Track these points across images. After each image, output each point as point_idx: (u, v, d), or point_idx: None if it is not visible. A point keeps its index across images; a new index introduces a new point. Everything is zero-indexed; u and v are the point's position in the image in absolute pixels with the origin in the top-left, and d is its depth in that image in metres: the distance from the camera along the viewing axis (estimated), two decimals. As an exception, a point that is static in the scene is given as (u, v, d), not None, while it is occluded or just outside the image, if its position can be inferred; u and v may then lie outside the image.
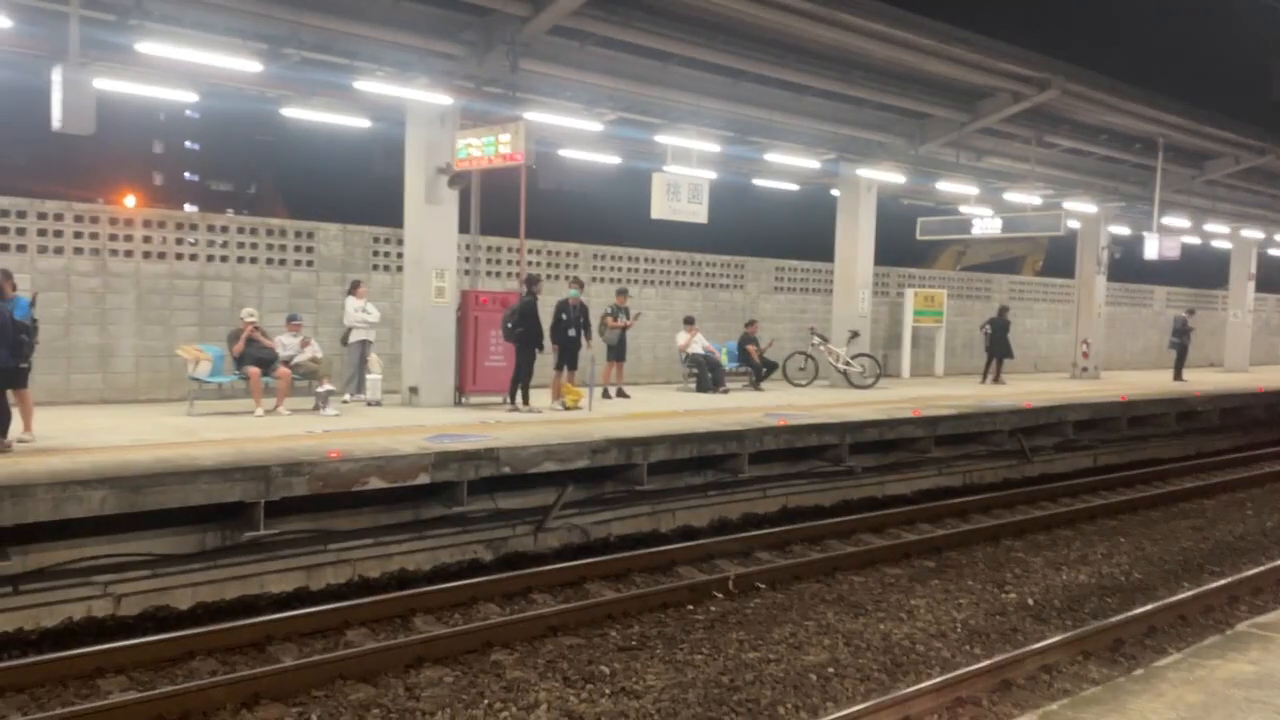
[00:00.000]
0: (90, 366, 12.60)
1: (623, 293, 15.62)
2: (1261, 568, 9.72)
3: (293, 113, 13.30)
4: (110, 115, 9.25)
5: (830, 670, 6.92)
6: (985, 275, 25.98)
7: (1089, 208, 21.13)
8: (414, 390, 12.87)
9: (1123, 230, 23.55)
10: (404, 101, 12.36)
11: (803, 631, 7.71)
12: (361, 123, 13.78)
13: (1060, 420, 15.79)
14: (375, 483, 8.83)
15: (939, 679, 6.46)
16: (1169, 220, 21.69)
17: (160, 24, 10.05)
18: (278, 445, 9.21)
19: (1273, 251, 28.54)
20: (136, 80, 11.12)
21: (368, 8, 10.98)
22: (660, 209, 13.92)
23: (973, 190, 18.82)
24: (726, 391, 16.11)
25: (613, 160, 16.89)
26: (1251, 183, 22.84)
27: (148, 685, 6.34)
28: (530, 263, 15.94)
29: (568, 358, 13.46)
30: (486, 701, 6.24)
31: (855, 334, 18.26)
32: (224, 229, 13.79)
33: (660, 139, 14.63)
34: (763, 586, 8.86)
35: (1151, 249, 20.21)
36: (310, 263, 14.34)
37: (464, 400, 13.22)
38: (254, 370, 11.57)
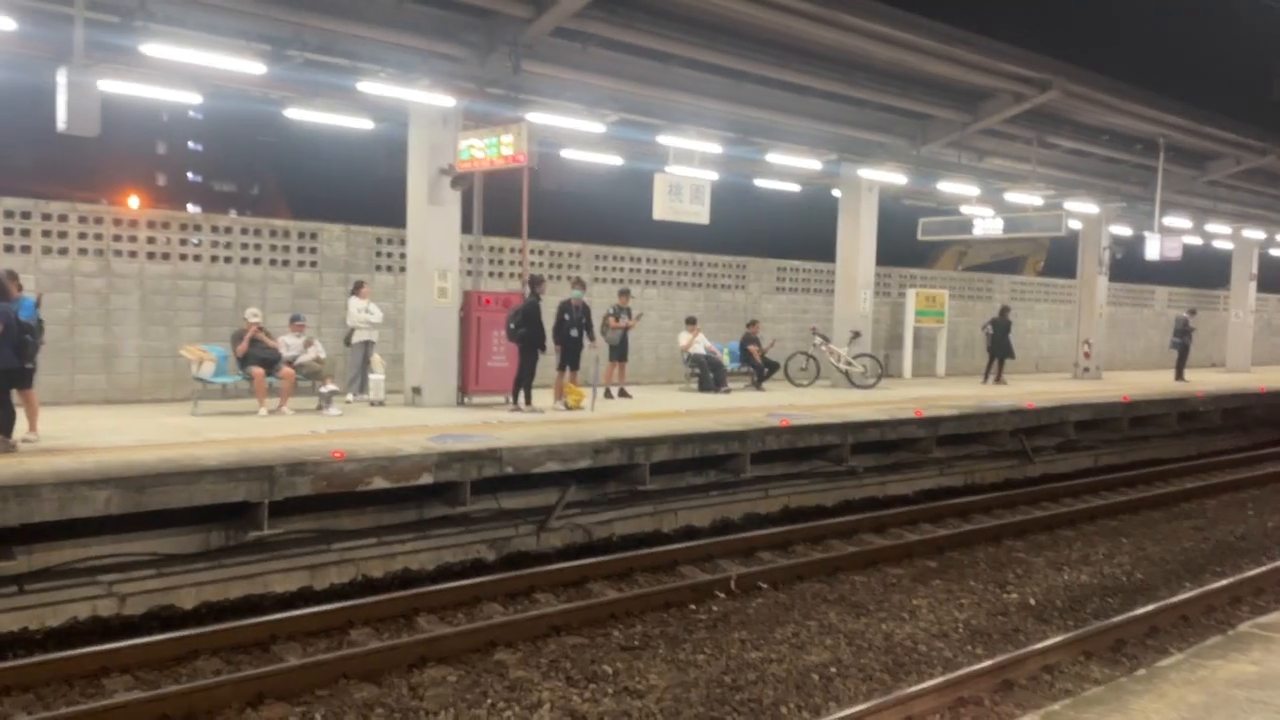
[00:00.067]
0: (94, 367, 12.63)
1: (625, 293, 15.65)
2: (1263, 568, 9.73)
3: (296, 114, 13.32)
4: (114, 116, 9.27)
5: (832, 670, 6.94)
6: (987, 275, 25.99)
7: (1090, 208, 21.14)
8: (417, 390, 12.90)
9: (1124, 230, 23.55)
10: (406, 103, 12.39)
11: (805, 631, 7.74)
12: (364, 124, 13.81)
13: (1062, 420, 15.81)
14: (379, 483, 8.86)
15: (941, 679, 6.48)
16: (1170, 220, 21.69)
17: (164, 25, 10.08)
18: (281, 445, 9.24)
19: (1274, 252, 28.53)
20: (140, 81, 11.14)
21: (370, 9, 11.01)
22: (662, 210, 13.94)
23: (974, 191, 18.84)
24: (728, 391, 16.13)
25: (615, 161, 16.91)
26: (1253, 183, 22.84)
27: (152, 685, 6.36)
28: (533, 263, 15.97)
29: (570, 358, 13.49)
30: (490, 701, 6.27)
31: (857, 334, 18.28)
32: (228, 230, 13.82)
33: (662, 140, 14.65)
34: (765, 586, 8.88)
35: (1153, 249, 20.22)
36: (314, 263, 14.37)
37: (466, 400, 13.24)
38: (258, 370, 11.60)
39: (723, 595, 8.58)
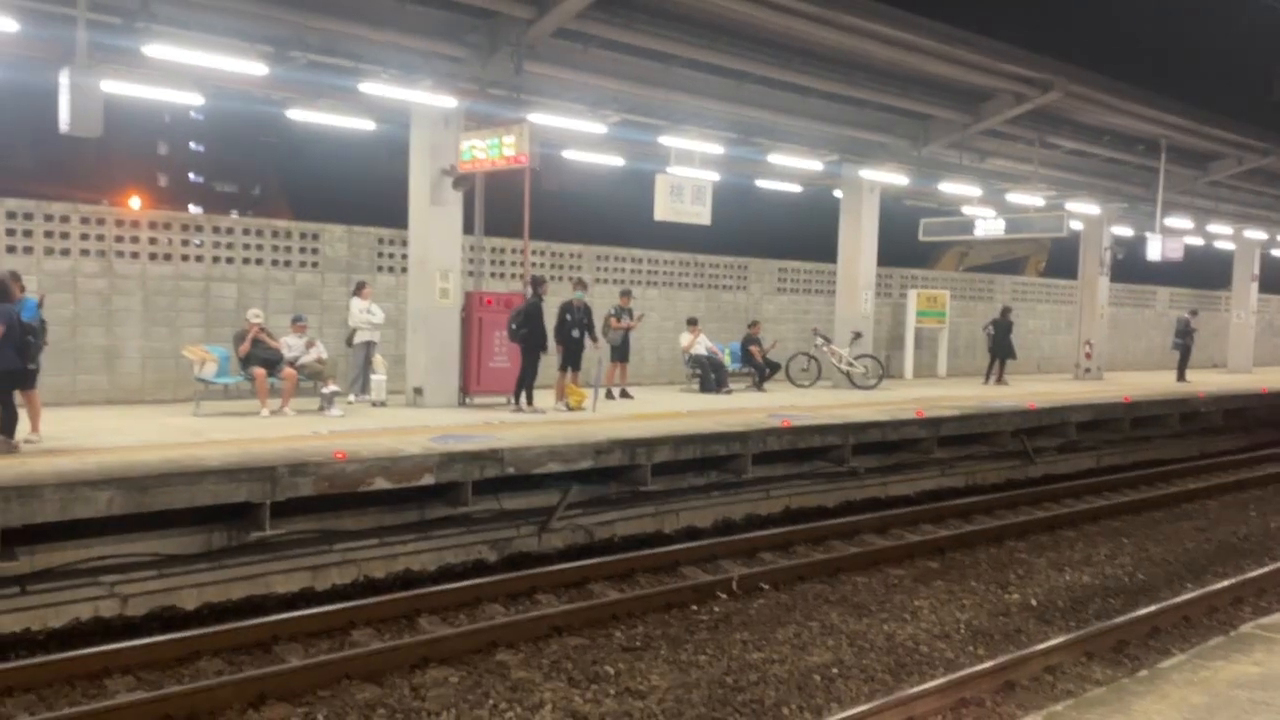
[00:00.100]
0: (96, 367, 12.64)
1: (626, 294, 15.65)
2: (1265, 569, 9.73)
3: (298, 115, 13.35)
4: (115, 117, 9.27)
5: (834, 671, 6.94)
6: (988, 276, 25.99)
7: (1092, 209, 21.14)
8: (418, 391, 12.91)
9: (1125, 231, 23.54)
10: (409, 104, 12.39)
11: (807, 632, 7.74)
12: (366, 125, 13.82)
13: (1063, 421, 15.80)
14: (380, 483, 8.87)
15: (943, 679, 6.48)
16: (1172, 221, 21.68)
17: (166, 27, 10.08)
18: (283, 446, 9.25)
19: (1276, 252, 28.50)
20: (143, 83, 11.15)
21: (373, 10, 11.02)
22: (663, 210, 13.95)
23: (975, 191, 18.84)
24: (729, 392, 16.13)
25: (616, 162, 16.92)
26: (1254, 184, 22.84)
27: (155, 685, 6.37)
28: (534, 264, 15.98)
29: (572, 359, 13.49)
30: (491, 702, 6.27)
31: (858, 335, 18.28)
32: (229, 230, 13.83)
33: (663, 141, 14.66)
34: (766, 587, 8.88)
35: (1154, 250, 20.22)
36: (315, 264, 14.38)
37: (468, 401, 13.25)
38: (259, 371, 11.61)
39: (724, 596, 8.58)
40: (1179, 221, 22.28)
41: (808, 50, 13.50)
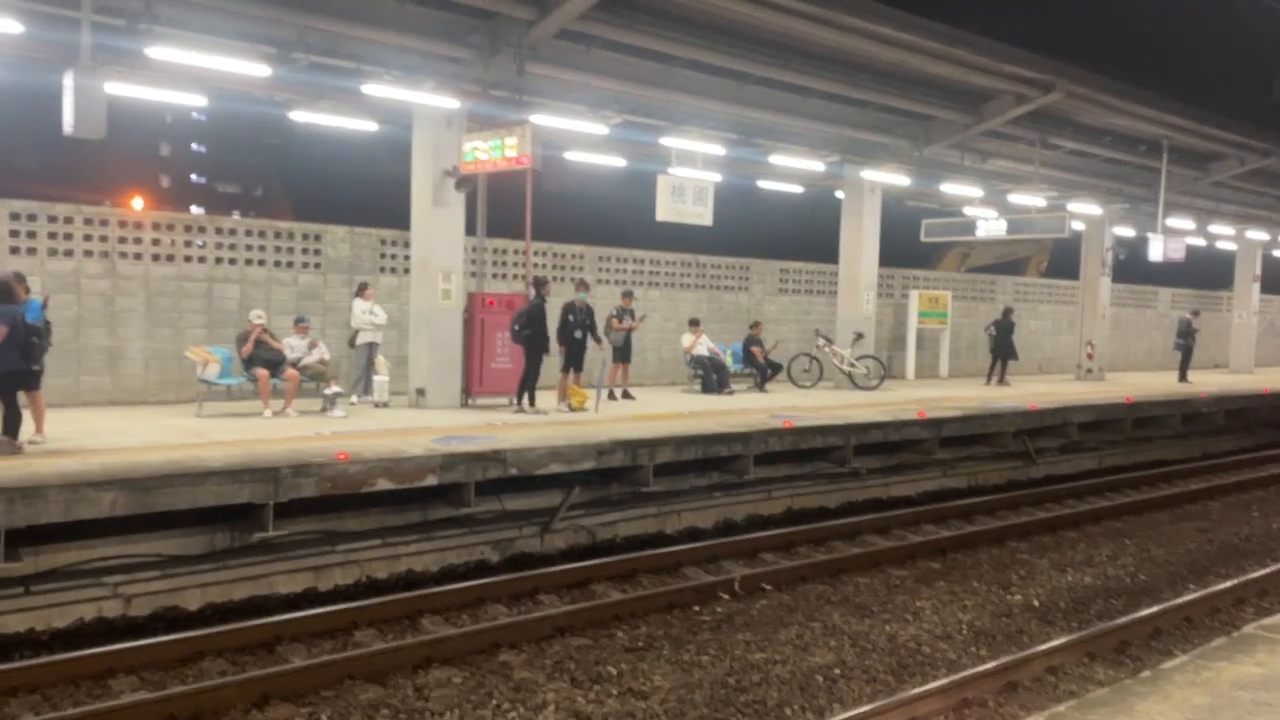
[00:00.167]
0: (100, 368, 12.66)
1: (628, 294, 15.66)
2: (1268, 570, 9.73)
3: (300, 116, 13.36)
4: (117, 118, 9.29)
5: (837, 671, 6.95)
6: (990, 277, 25.98)
7: (1093, 209, 21.14)
8: (421, 392, 12.92)
9: (1127, 232, 23.54)
10: (411, 105, 12.41)
11: (809, 633, 7.75)
12: (368, 126, 13.84)
13: (1065, 422, 15.81)
14: (383, 484, 8.88)
15: (945, 680, 6.49)
16: (1173, 222, 21.69)
17: (169, 29, 10.10)
18: (286, 447, 9.27)
19: (1277, 253, 28.49)
20: (146, 84, 11.17)
21: (375, 12, 11.04)
22: (665, 211, 13.96)
23: (977, 192, 18.84)
24: (731, 393, 16.14)
25: (618, 163, 16.93)
26: (1256, 184, 22.84)
27: (158, 685, 6.39)
28: (536, 265, 15.99)
29: (574, 359, 13.50)
30: (495, 702, 6.29)
31: (860, 336, 18.28)
32: (232, 231, 13.85)
33: (665, 141, 14.67)
34: (768, 588, 8.89)
35: (1156, 250, 20.22)
36: (318, 265, 14.40)
37: (470, 402, 13.26)
38: (262, 372, 11.63)
39: (727, 596, 8.59)
40: (1180, 222, 22.28)
41: (809, 51, 13.52)
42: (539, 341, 12.65)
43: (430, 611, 7.93)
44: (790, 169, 17.43)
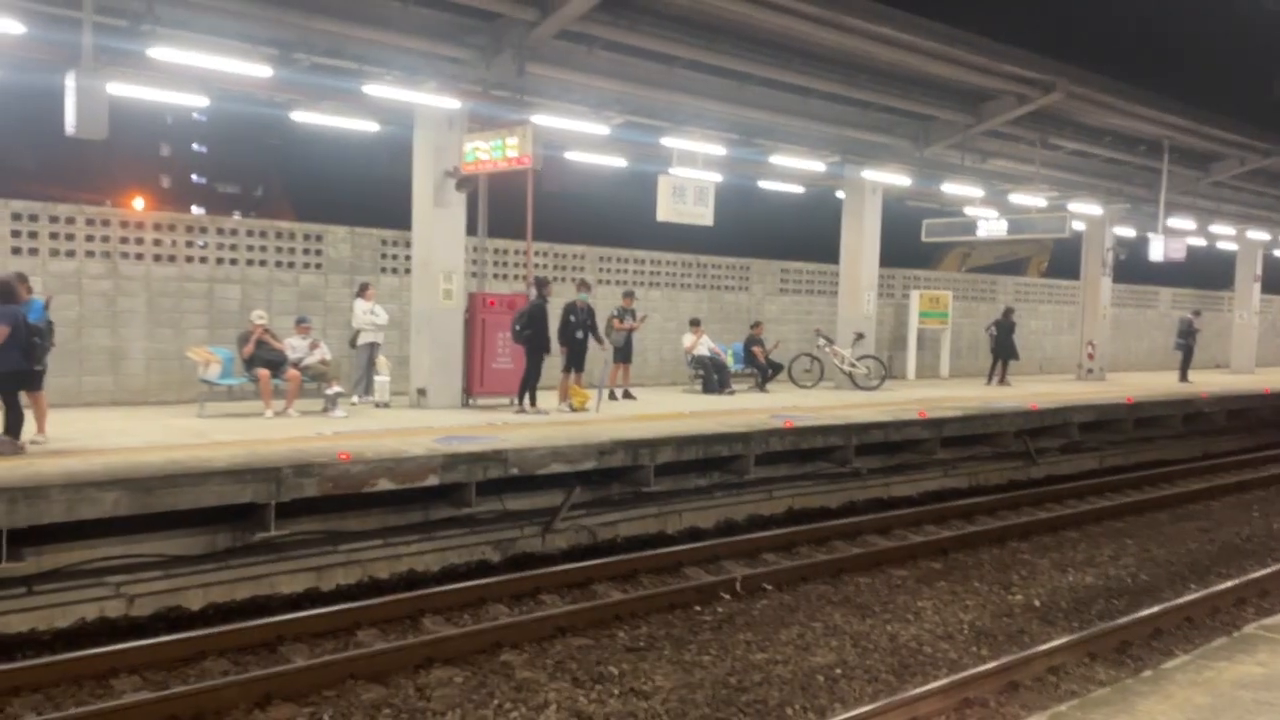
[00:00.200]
0: (101, 368, 12.67)
1: (629, 295, 15.67)
2: (1268, 570, 9.74)
3: (302, 117, 13.37)
4: (118, 118, 9.30)
5: (838, 671, 6.96)
6: (990, 277, 25.99)
7: (1094, 209, 21.15)
8: (422, 392, 12.93)
9: (1128, 232, 23.54)
10: (412, 105, 12.42)
11: (810, 633, 7.76)
12: (370, 126, 13.85)
13: (1066, 422, 15.81)
14: (384, 484, 8.89)
15: (946, 680, 6.50)
16: (1174, 222, 21.69)
17: (171, 29, 10.11)
18: (288, 447, 9.28)
19: (1278, 253, 28.49)
20: (148, 85, 11.17)
21: (377, 13, 11.05)
22: (666, 211, 13.97)
23: (978, 192, 18.84)
24: (732, 393, 16.15)
25: (619, 163, 16.94)
26: (1257, 184, 22.85)
27: (161, 685, 6.40)
28: (537, 265, 16.00)
29: (575, 360, 13.51)
30: (496, 702, 6.29)
31: (860, 336, 18.29)
32: (233, 232, 13.86)
33: (666, 142, 14.67)
34: (770, 588, 8.89)
35: (1157, 250, 20.23)
36: (319, 265, 14.41)
37: (471, 402, 13.27)
38: (263, 372, 11.64)
39: (728, 597, 8.60)
40: (1181, 222, 22.28)
41: (810, 52, 13.53)
42: (540, 342, 12.66)
43: (432, 611, 7.95)
44: (791, 169, 17.43)
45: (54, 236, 12.37)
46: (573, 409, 13.06)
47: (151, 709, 5.91)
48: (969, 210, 19.93)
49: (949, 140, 16.66)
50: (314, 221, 14.94)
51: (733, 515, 11.63)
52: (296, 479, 8.38)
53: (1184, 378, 22.01)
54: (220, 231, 13.79)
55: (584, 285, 14.28)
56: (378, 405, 12.95)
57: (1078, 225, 21.58)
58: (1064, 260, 28.38)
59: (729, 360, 17.09)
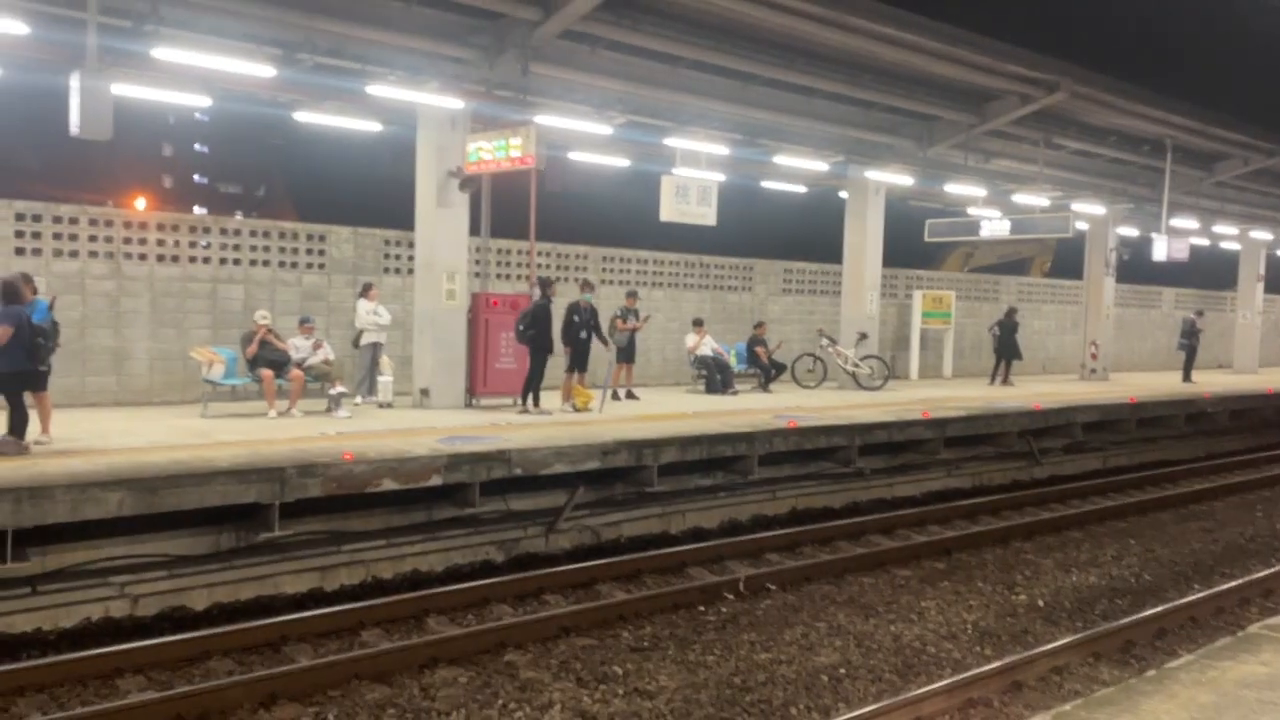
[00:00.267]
0: (105, 369, 12.69)
1: (632, 295, 15.68)
2: (1272, 569, 9.73)
3: (304, 117, 13.39)
4: (120, 118, 9.31)
5: (842, 671, 6.96)
6: (993, 277, 25.97)
7: (1097, 209, 21.14)
8: (425, 392, 12.94)
9: (1131, 232, 23.54)
10: (415, 105, 12.43)
11: (814, 633, 7.76)
12: (373, 126, 13.86)
13: (1069, 422, 15.80)
14: (388, 484, 8.90)
15: (950, 680, 6.50)
16: (1177, 222, 21.68)
17: (175, 30, 10.13)
18: (291, 447, 9.29)
19: (1282, 252, 28.52)
20: (151, 85, 11.19)
21: (380, 13, 11.06)
22: (669, 211, 13.98)
23: (981, 192, 18.85)
24: (735, 393, 16.15)
25: (622, 163, 16.94)
26: (1260, 184, 22.82)
27: (165, 685, 6.40)
28: (540, 265, 16.01)
29: (579, 360, 13.50)
30: (501, 701, 6.30)
31: (863, 336, 18.28)
32: (236, 232, 13.88)
33: (669, 142, 14.68)
34: (773, 588, 8.89)
35: (1160, 250, 20.23)
36: (322, 265, 14.42)
37: (475, 402, 13.28)
38: (267, 372, 11.65)
39: (731, 597, 8.60)
40: (1184, 222, 22.27)
41: (813, 52, 13.53)
42: (544, 342, 12.67)
43: (436, 611, 7.95)
44: (794, 169, 17.43)
45: (57, 237, 12.38)
46: (576, 409, 13.06)
47: (156, 709, 5.91)
48: (972, 210, 19.94)
49: (952, 140, 16.65)
50: (316, 222, 14.94)
51: (736, 515, 11.63)
52: (300, 479, 8.39)
53: (1187, 378, 21.99)
54: (224, 232, 13.80)
55: (587, 285, 14.28)
56: (381, 405, 12.95)
57: (1081, 225, 21.54)
58: (1067, 260, 28.38)
59: (732, 360, 17.09)
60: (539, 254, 16.08)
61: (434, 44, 11.56)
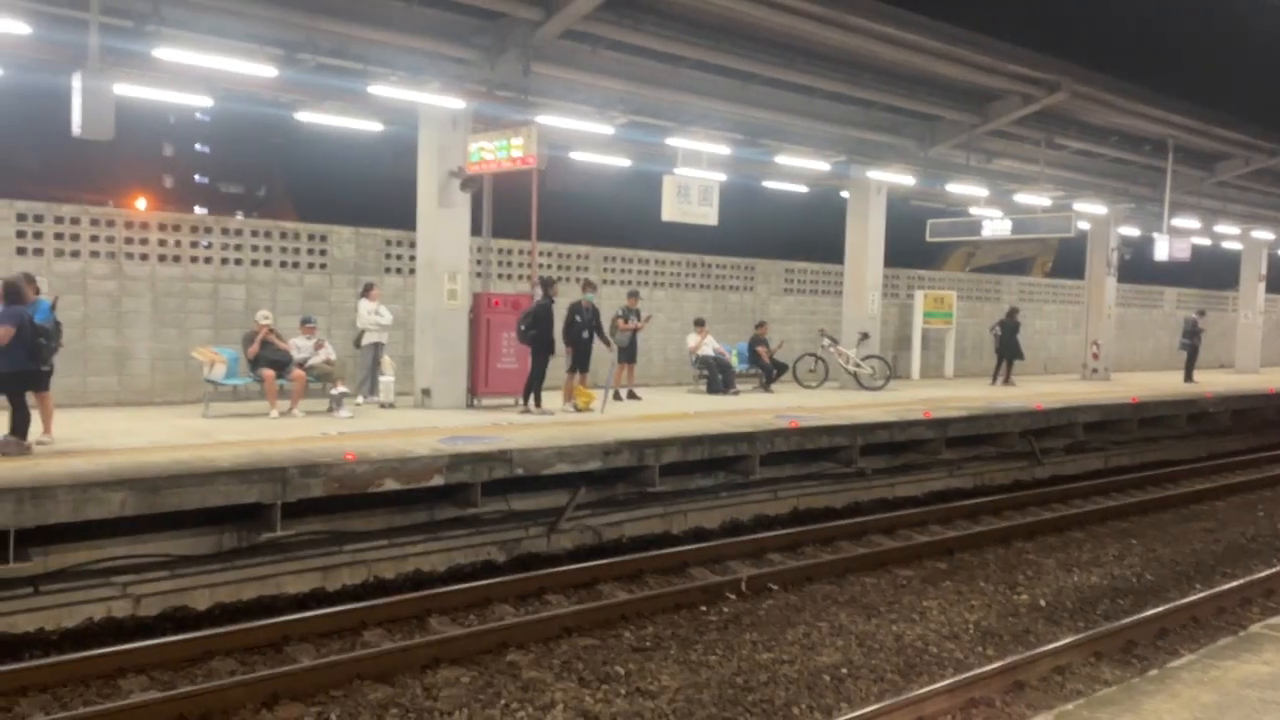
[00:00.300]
0: (106, 369, 12.69)
1: (634, 295, 15.68)
2: (1274, 569, 9.73)
3: (305, 117, 13.39)
4: (121, 118, 9.32)
5: (844, 671, 6.96)
6: (995, 276, 25.96)
7: (1099, 209, 21.12)
8: (426, 392, 12.94)
9: (1133, 231, 23.53)
10: (416, 105, 12.43)
11: (816, 632, 7.76)
12: (374, 126, 13.86)
13: (1071, 422, 15.79)
14: (390, 484, 8.90)
15: (952, 680, 6.50)
16: (1179, 221, 21.67)
17: (177, 30, 10.13)
18: (293, 447, 9.29)
19: (1283, 252, 28.50)
20: (153, 85, 11.20)
21: (381, 13, 11.07)
22: (671, 211, 13.98)
23: (982, 192, 18.83)
24: (737, 393, 16.14)
25: (623, 163, 16.94)
26: (1262, 184, 22.82)
27: (168, 685, 6.41)
28: (541, 265, 16.01)
29: (581, 360, 13.50)
30: (503, 701, 6.30)
31: (865, 336, 18.28)
32: (238, 232, 13.88)
33: (671, 142, 14.68)
34: (775, 588, 8.89)
35: (1162, 250, 20.22)
36: (323, 265, 14.42)
37: (476, 402, 13.28)
38: (268, 372, 11.65)
39: (733, 597, 8.60)
40: (1186, 222, 22.26)
41: (814, 51, 13.53)
42: (545, 342, 12.67)
43: (438, 611, 7.96)
44: (796, 169, 17.43)
45: (59, 237, 12.39)
46: (577, 409, 13.06)
47: (159, 709, 5.92)
48: (974, 210, 19.92)
49: (954, 140, 16.65)
50: (317, 221, 14.94)
51: (738, 515, 11.63)
52: (302, 479, 8.39)
53: (1189, 378, 21.98)
54: (225, 232, 13.80)
55: (590, 285, 14.27)
56: (382, 405, 12.95)
57: (1082, 225, 21.54)
58: (1069, 260, 28.38)
59: (734, 360, 17.09)
60: (540, 254, 16.08)
61: (436, 44, 11.57)
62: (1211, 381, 22.05)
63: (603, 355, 14.32)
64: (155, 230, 13.10)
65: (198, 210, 43.83)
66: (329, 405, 12.03)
